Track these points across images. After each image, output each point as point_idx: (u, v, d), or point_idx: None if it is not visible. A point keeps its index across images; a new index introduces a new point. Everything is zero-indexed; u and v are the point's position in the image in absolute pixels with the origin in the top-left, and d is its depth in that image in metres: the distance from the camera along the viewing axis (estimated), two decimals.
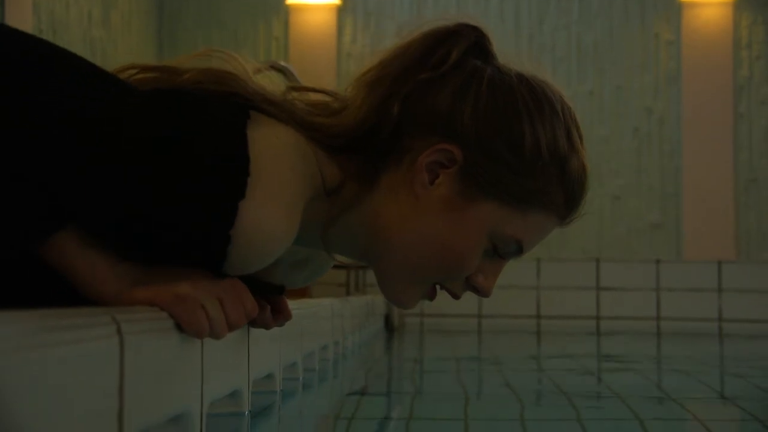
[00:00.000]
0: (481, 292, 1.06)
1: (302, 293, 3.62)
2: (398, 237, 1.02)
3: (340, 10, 5.38)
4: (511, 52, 1.08)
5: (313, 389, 1.73)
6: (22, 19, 3.65)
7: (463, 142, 1.00)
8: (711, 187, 5.19)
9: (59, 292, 0.87)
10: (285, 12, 5.38)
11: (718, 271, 5.03)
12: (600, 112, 5.24)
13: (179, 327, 0.89)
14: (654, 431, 1.30)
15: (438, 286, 1.07)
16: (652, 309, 5.03)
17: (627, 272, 5.08)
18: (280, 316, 1.15)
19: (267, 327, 1.14)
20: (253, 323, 1.11)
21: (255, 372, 1.29)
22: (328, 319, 2.21)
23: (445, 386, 2.01)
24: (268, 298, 1.13)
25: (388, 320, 4.60)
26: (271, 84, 1.05)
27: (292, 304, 1.27)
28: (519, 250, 1.04)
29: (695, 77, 5.25)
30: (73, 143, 0.80)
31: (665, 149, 5.27)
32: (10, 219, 0.78)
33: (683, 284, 5.04)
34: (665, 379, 2.28)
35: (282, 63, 1.09)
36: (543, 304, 5.04)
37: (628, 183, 5.23)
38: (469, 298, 1.11)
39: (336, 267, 1.25)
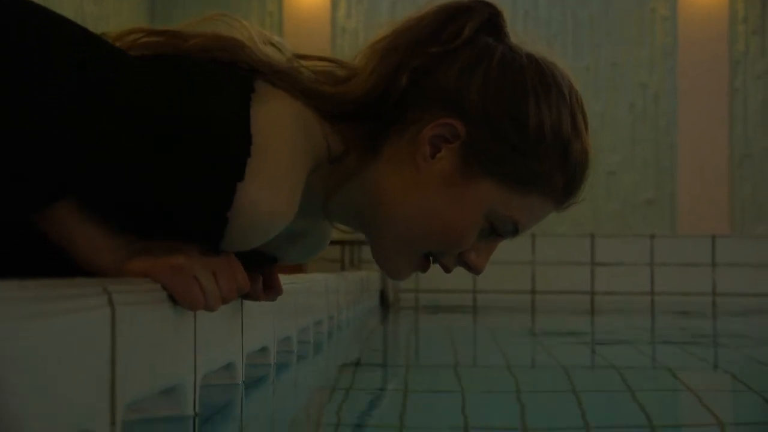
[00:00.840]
0: (473, 270, 1.06)
1: (297, 269, 3.62)
2: (397, 208, 1.02)
3: None
4: (523, 31, 1.08)
5: (308, 362, 1.74)
6: None
7: (468, 119, 1.00)
8: (706, 161, 5.19)
9: (55, 266, 0.87)
10: None
11: (713, 246, 5.04)
12: (595, 87, 5.22)
13: (172, 299, 0.89)
14: (647, 402, 1.31)
15: (431, 258, 1.07)
16: (646, 284, 5.05)
17: (622, 247, 5.08)
18: (272, 291, 1.16)
19: (257, 299, 1.14)
20: (245, 296, 1.11)
21: (249, 345, 1.29)
22: (322, 294, 2.21)
23: (440, 359, 2.01)
24: (262, 271, 1.13)
25: (383, 296, 4.60)
26: (277, 52, 1.04)
27: (287, 279, 1.27)
28: (515, 231, 1.04)
29: (691, 52, 5.23)
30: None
31: (660, 124, 5.26)
32: (12, 187, 0.78)
33: (678, 259, 5.05)
34: (659, 352, 2.29)
35: (276, 38, 1.08)
36: (538, 280, 5.05)
37: (623, 158, 5.23)
38: (464, 274, 1.11)
39: (330, 243, 1.25)
